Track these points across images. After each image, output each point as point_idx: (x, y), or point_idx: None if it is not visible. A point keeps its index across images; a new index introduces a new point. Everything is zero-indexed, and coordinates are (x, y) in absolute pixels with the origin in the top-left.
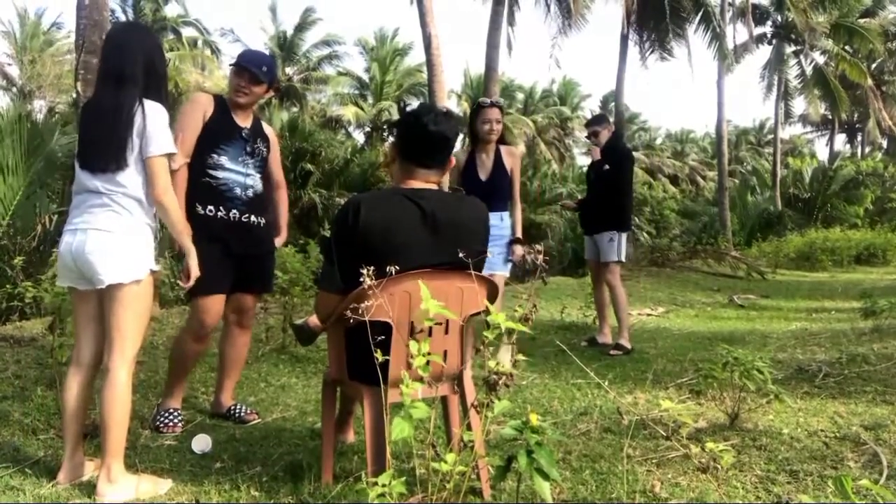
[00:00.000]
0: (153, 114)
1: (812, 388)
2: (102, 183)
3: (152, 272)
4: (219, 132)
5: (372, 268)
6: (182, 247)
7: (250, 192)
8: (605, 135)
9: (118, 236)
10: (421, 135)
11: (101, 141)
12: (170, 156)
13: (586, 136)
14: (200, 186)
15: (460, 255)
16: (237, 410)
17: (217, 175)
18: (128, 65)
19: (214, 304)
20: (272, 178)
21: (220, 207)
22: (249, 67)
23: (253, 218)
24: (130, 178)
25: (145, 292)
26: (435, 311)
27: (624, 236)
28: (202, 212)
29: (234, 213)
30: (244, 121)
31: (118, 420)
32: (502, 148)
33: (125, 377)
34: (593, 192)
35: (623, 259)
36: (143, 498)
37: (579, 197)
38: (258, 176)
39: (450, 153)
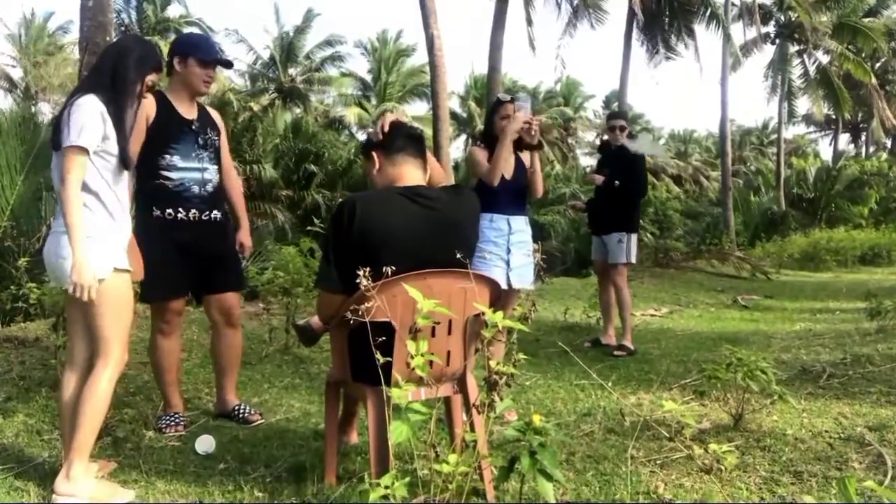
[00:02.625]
0: (75, 107)
1: (816, 389)
2: (59, 182)
3: (119, 270)
4: (166, 132)
5: (369, 269)
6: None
7: (209, 188)
8: (626, 132)
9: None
10: (398, 130)
11: (59, 121)
12: (80, 149)
13: (608, 129)
14: (156, 189)
15: (458, 253)
16: (241, 411)
17: (171, 176)
18: (95, 64)
19: (174, 306)
20: (223, 166)
21: (179, 208)
22: (222, 58)
23: (213, 214)
24: (87, 176)
25: (113, 291)
26: (428, 308)
27: (634, 237)
28: (160, 214)
29: (194, 212)
30: (190, 112)
31: (89, 419)
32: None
33: (106, 378)
34: (603, 192)
35: (633, 260)
36: (96, 502)
37: (583, 198)
38: (215, 168)
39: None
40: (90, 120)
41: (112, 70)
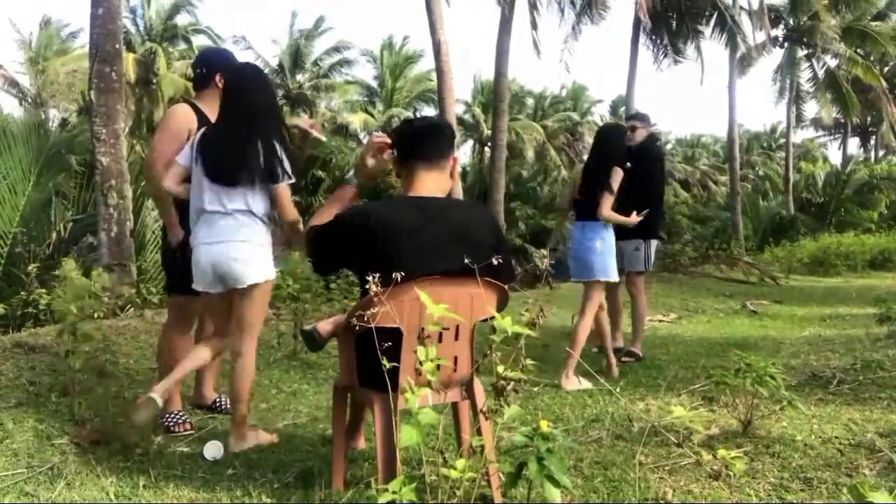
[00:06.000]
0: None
1: (826, 395)
2: (229, 203)
3: None
4: None
5: (379, 275)
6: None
7: None
8: (641, 133)
9: (254, 246)
10: (411, 130)
11: (237, 160)
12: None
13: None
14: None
15: (466, 259)
16: (221, 403)
17: None
18: (263, 99)
19: (196, 303)
20: None
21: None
22: None
23: None
24: (257, 200)
25: (269, 290)
26: (440, 314)
27: (652, 245)
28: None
29: None
30: None
31: (248, 391)
32: None
33: (252, 354)
34: (620, 198)
35: (650, 268)
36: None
37: None
38: None
39: (445, 146)
40: None
41: (270, 105)
